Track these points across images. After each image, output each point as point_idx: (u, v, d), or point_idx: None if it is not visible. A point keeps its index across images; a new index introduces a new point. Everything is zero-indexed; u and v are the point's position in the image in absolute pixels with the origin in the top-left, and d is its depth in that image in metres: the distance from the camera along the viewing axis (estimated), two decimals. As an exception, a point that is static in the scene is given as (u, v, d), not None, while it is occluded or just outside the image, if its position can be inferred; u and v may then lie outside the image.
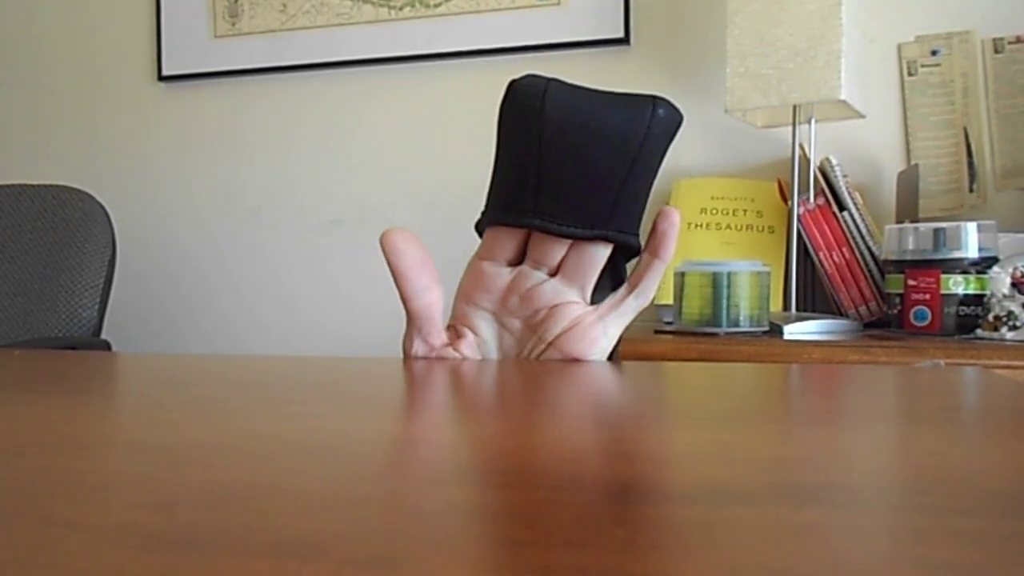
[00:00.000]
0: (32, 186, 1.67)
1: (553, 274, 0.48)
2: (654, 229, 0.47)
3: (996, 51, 1.44)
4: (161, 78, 1.89)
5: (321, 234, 1.82)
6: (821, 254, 1.31)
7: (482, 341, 0.49)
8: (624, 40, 1.60)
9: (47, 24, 2.00)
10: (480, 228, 0.49)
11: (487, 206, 0.48)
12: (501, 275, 0.48)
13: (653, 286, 0.48)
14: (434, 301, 0.47)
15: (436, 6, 1.71)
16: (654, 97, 0.44)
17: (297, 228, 1.84)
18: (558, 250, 0.47)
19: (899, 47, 1.49)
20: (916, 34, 1.48)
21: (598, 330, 0.47)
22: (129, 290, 1.94)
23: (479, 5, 1.68)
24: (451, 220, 1.74)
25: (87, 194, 1.64)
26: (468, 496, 0.17)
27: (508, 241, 0.48)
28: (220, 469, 0.20)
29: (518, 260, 0.49)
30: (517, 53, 1.67)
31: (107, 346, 1.53)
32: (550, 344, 0.47)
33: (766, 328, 1.16)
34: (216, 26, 1.85)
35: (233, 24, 1.84)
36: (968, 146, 1.45)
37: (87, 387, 0.36)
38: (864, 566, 0.13)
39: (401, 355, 0.51)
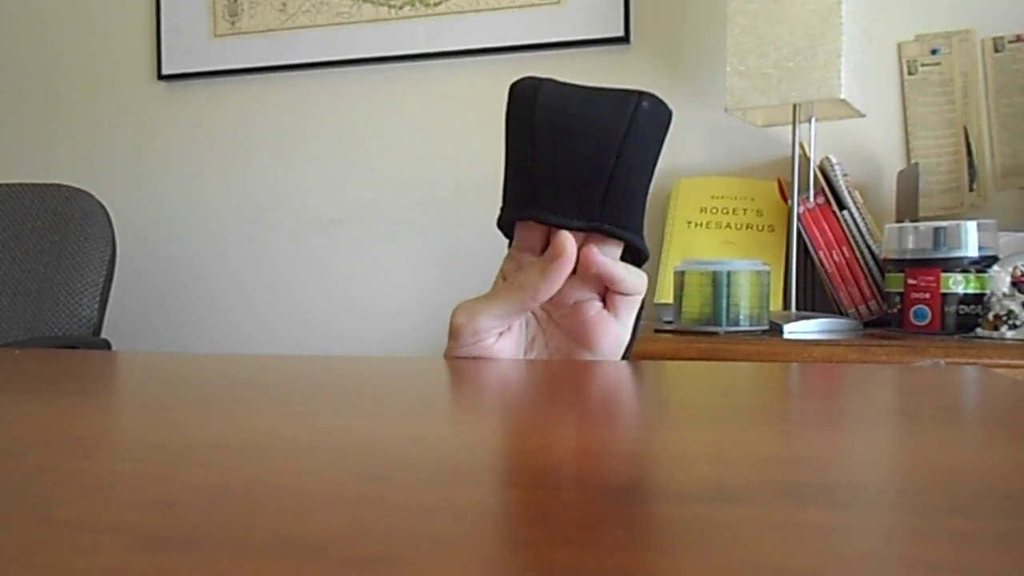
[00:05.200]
0: (32, 185, 1.67)
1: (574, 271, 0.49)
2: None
3: (996, 50, 1.44)
4: (161, 77, 1.89)
5: (322, 233, 1.82)
6: (821, 253, 1.31)
7: (517, 336, 0.51)
8: (624, 39, 1.60)
9: (47, 24, 2.00)
10: (498, 224, 0.51)
11: (502, 202, 0.51)
12: None
13: (625, 273, 0.48)
14: (528, 314, 0.50)
15: (436, 5, 1.71)
16: (641, 92, 0.46)
17: (298, 227, 1.84)
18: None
19: (899, 46, 1.49)
20: (916, 33, 1.48)
21: (613, 327, 0.49)
22: (129, 289, 1.94)
23: (479, 4, 1.68)
24: (451, 219, 1.74)
25: (87, 193, 1.64)
26: (468, 496, 0.17)
27: (534, 233, 0.50)
28: (220, 468, 0.20)
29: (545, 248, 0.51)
30: (517, 52, 1.67)
31: (107, 345, 1.53)
32: (572, 340, 0.50)
33: (766, 327, 1.16)
34: (216, 25, 1.85)
35: (233, 24, 1.83)
36: (968, 145, 1.45)
37: (87, 387, 0.36)
38: (864, 566, 0.13)
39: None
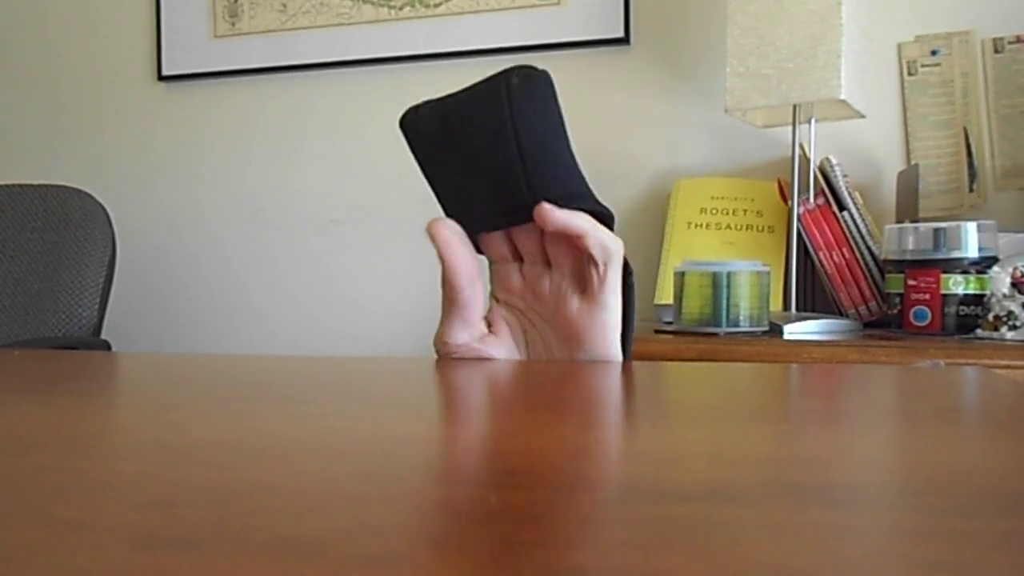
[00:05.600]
0: (32, 186, 1.67)
1: (548, 264, 0.49)
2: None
3: (996, 51, 1.44)
4: (161, 78, 1.89)
5: (322, 233, 1.82)
6: (821, 254, 1.31)
7: (508, 339, 0.51)
8: (624, 40, 1.60)
9: (48, 25, 2.00)
10: None
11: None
12: (513, 272, 0.50)
13: (591, 227, 0.46)
14: (479, 291, 0.49)
15: (436, 6, 1.71)
16: (507, 71, 0.45)
17: (298, 227, 1.84)
18: (529, 240, 0.48)
19: (899, 47, 1.49)
20: (916, 34, 1.48)
21: (598, 316, 0.48)
22: (129, 289, 1.94)
23: (479, 5, 1.68)
24: (451, 220, 1.73)
25: (87, 194, 1.64)
26: (468, 496, 0.17)
27: (493, 241, 0.50)
28: (221, 468, 0.20)
29: (518, 253, 0.50)
30: (517, 53, 1.67)
31: (107, 346, 1.53)
32: (565, 340, 0.49)
33: (766, 328, 1.16)
34: (216, 26, 1.85)
35: (233, 24, 1.84)
36: (968, 146, 1.45)
37: (88, 387, 0.36)
38: (864, 566, 0.13)
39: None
